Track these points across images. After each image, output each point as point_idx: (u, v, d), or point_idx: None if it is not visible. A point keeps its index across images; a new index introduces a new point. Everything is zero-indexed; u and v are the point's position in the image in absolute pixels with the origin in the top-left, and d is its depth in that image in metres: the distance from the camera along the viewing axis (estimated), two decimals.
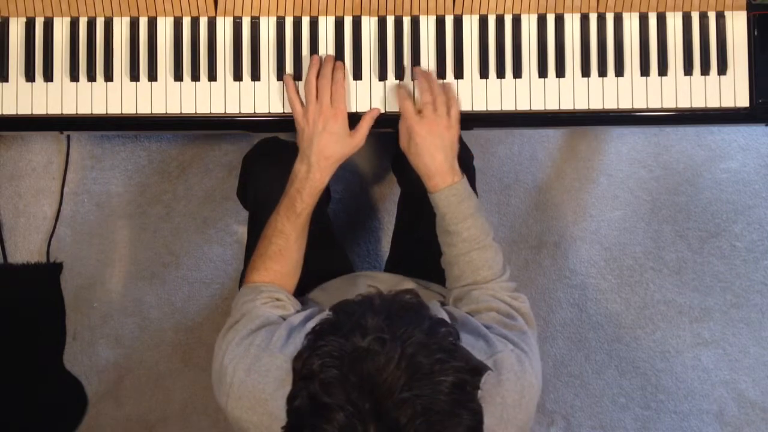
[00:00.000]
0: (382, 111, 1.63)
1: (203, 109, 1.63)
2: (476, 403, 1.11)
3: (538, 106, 1.64)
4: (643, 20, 1.65)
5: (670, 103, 1.65)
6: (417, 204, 1.74)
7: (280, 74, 1.63)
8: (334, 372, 1.06)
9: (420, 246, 1.77)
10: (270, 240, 1.55)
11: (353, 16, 1.63)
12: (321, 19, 1.64)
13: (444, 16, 1.64)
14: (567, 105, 1.64)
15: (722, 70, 1.64)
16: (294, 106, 1.59)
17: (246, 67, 1.63)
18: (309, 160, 1.54)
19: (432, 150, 1.52)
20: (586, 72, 1.64)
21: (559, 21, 1.65)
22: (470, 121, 1.66)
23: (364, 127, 1.58)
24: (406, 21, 1.64)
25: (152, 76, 1.62)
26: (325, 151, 1.54)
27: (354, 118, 1.62)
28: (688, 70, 1.65)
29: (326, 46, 1.63)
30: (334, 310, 1.15)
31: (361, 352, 1.07)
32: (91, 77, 1.62)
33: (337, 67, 1.60)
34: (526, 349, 1.35)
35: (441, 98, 1.56)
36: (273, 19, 1.63)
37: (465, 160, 1.86)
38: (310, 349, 1.10)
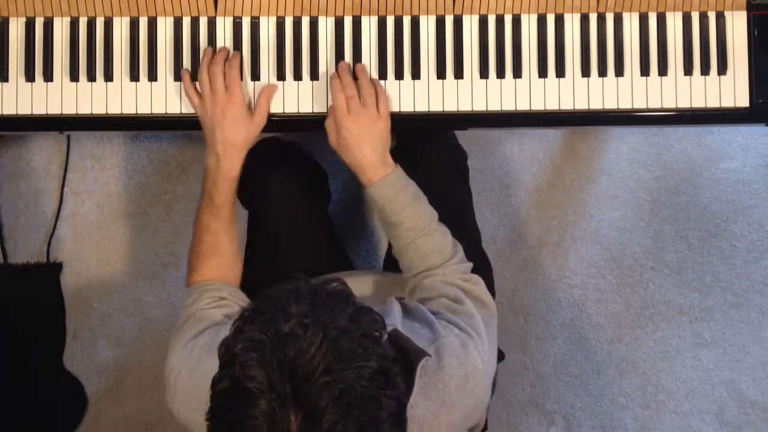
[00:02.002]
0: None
1: None
2: (399, 392, 1.11)
3: (538, 106, 1.64)
4: (643, 20, 1.65)
5: (670, 103, 1.65)
6: None
7: (280, 74, 1.63)
8: (254, 355, 1.06)
9: None
10: (200, 239, 1.55)
11: (353, 16, 1.64)
12: (321, 19, 1.64)
13: (444, 16, 1.64)
14: (567, 105, 1.64)
15: (722, 70, 1.64)
16: (191, 99, 1.59)
17: (246, 67, 1.63)
18: (216, 150, 1.54)
19: (360, 144, 1.52)
20: (586, 72, 1.64)
21: (559, 21, 1.65)
22: (469, 121, 1.67)
23: (263, 105, 1.58)
24: (406, 21, 1.64)
25: (152, 76, 1.62)
26: (230, 138, 1.54)
27: None
28: (688, 70, 1.65)
29: (326, 46, 1.63)
30: (261, 297, 1.15)
31: (282, 336, 1.06)
32: (91, 77, 1.62)
33: (234, 55, 1.60)
34: (472, 333, 1.35)
35: (368, 91, 1.56)
36: (273, 19, 1.63)
37: (458, 160, 1.86)
38: (234, 335, 1.10)
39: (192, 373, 1.33)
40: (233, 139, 1.54)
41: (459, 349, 1.31)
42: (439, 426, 1.27)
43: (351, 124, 1.53)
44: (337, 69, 1.61)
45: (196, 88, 1.59)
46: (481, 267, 1.80)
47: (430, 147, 1.78)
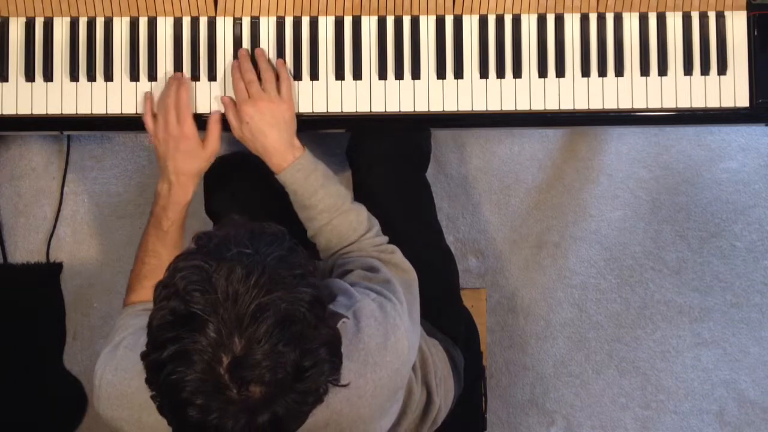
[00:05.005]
0: (389, 111, 1.63)
1: (203, 108, 1.63)
2: (334, 324, 1.16)
3: (538, 106, 1.64)
4: (643, 20, 1.65)
5: (670, 103, 1.65)
6: (364, 193, 1.75)
7: None
8: (197, 279, 1.09)
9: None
10: (143, 261, 1.57)
11: (353, 16, 1.63)
12: (321, 19, 1.64)
13: (444, 16, 1.64)
14: (567, 105, 1.64)
15: (722, 70, 1.64)
16: (147, 125, 1.59)
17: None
18: (169, 178, 1.55)
19: (264, 129, 1.53)
20: (586, 72, 1.64)
21: (559, 21, 1.65)
22: (469, 121, 1.66)
23: (213, 133, 1.58)
24: (406, 21, 1.64)
25: (152, 76, 1.62)
26: (182, 169, 1.55)
27: (359, 118, 1.62)
28: (688, 70, 1.65)
29: (326, 46, 1.63)
30: (199, 236, 1.18)
31: (224, 264, 1.09)
32: (91, 77, 1.62)
33: (181, 84, 1.59)
34: (389, 295, 1.38)
35: (268, 75, 1.57)
36: (273, 19, 1.63)
37: (409, 152, 1.83)
38: (173, 271, 1.12)
39: (116, 371, 1.34)
40: (184, 169, 1.55)
41: (377, 311, 1.33)
42: (365, 385, 1.29)
43: (251, 108, 1.53)
44: (237, 56, 1.61)
45: (153, 114, 1.59)
46: (445, 260, 1.80)
47: (372, 138, 1.78)
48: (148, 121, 1.58)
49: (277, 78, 1.58)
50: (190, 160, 1.55)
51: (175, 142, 1.55)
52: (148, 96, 1.60)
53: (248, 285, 1.08)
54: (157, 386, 1.11)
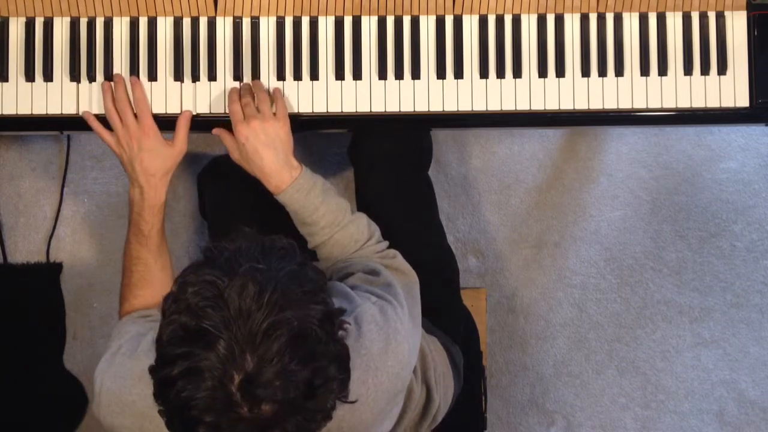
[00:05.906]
0: (389, 111, 1.63)
1: (203, 109, 1.63)
2: (342, 339, 1.16)
3: (538, 106, 1.64)
4: (643, 20, 1.65)
5: (670, 103, 1.65)
6: (365, 192, 1.75)
7: (280, 74, 1.63)
8: (209, 295, 1.08)
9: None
10: (131, 270, 1.56)
11: (353, 16, 1.63)
12: (321, 19, 1.63)
13: (444, 16, 1.64)
14: (567, 105, 1.64)
15: (722, 70, 1.64)
16: (104, 138, 1.58)
17: (246, 67, 1.63)
18: (138, 182, 1.55)
19: (260, 149, 1.52)
20: (586, 72, 1.64)
21: (559, 21, 1.65)
22: (469, 121, 1.66)
23: (181, 133, 1.59)
24: (406, 21, 1.64)
25: (152, 76, 1.62)
26: (149, 169, 1.55)
27: (360, 118, 1.62)
28: (688, 70, 1.65)
29: (326, 46, 1.63)
30: (207, 249, 1.17)
31: (236, 280, 1.09)
32: (91, 77, 1.62)
33: (133, 83, 1.59)
34: (390, 298, 1.37)
35: (263, 96, 1.56)
36: (273, 19, 1.63)
37: (407, 153, 1.81)
38: (183, 285, 1.11)
39: (115, 378, 1.33)
40: (153, 170, 1.55)
41: (378, 315, 1.33)
42: (367, 390, 1.29)
43: (246, 129, 1.52)
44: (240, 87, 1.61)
45: (104, 127, 1.59)
46: (446, 259, 1.80)
47: (372, 138, 1.77)
48: (106, 135, 1.58)
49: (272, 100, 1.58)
50: (156, 159, 1.55)
51: (138, 143, 1.55)
52: (88, 113, 1.60)
53: (261, 302, 1.07)
54: (166, 402, 1.11)
